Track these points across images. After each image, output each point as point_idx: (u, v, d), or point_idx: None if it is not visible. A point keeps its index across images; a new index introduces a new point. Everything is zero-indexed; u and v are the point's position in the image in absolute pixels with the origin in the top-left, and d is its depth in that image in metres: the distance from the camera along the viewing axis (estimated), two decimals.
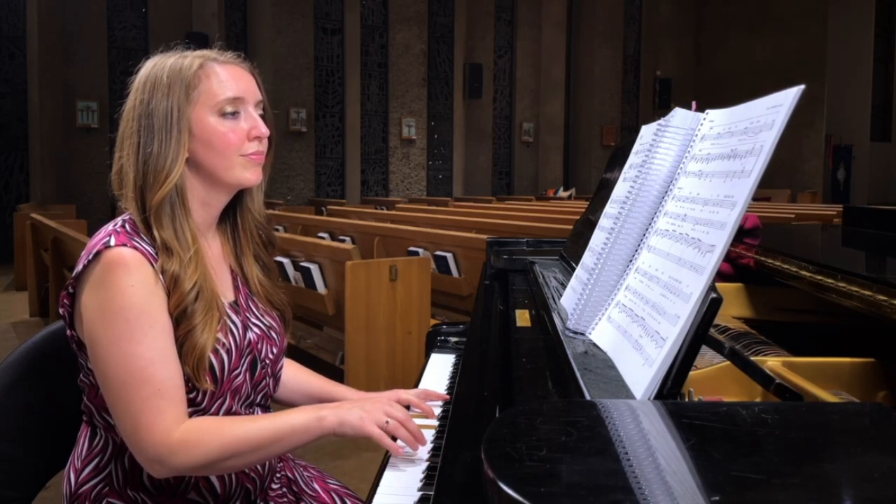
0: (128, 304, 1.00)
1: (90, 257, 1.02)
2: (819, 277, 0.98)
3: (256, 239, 1.23)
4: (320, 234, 5.53)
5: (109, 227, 1.07)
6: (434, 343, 1.68)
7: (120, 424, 1.03)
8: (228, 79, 1.10)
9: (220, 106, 1.09)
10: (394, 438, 1.07)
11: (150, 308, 1.02)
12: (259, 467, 1.17)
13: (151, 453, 1.00)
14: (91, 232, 5.85)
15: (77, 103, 10.06)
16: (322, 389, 1.32)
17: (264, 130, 1.12)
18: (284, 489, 1.26)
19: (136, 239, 1.05)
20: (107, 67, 10.44)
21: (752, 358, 0.88)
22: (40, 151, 9.65)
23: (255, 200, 1.22)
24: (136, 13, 10.75)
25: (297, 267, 3.96)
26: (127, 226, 1.07)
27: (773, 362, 0.91)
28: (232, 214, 1.22)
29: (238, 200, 1.21)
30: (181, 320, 1.04)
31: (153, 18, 10.75)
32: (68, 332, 1.09)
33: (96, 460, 1.11)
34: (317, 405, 1.10)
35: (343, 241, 4.94)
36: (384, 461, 1.09)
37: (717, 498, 0.45)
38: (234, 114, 1.10)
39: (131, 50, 10.69)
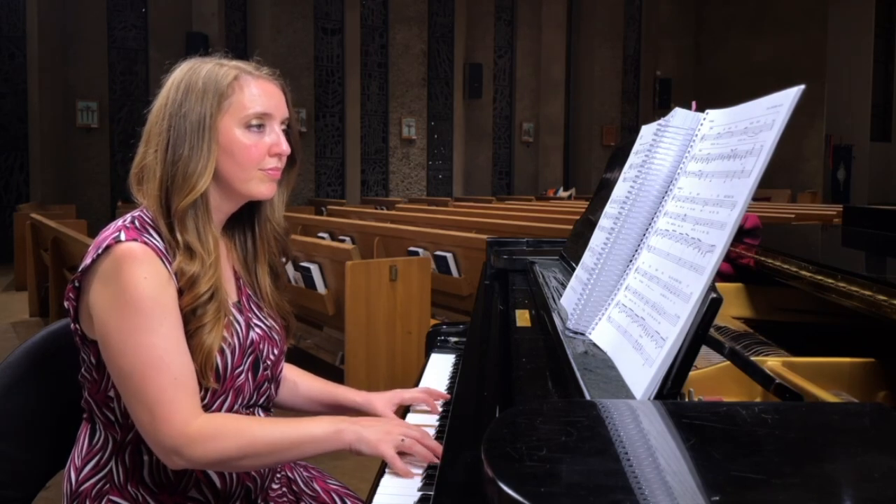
0: (141, 295, 1.01)
1: (99, 251, 1.03)
2: (819, 277, 0.98)
3: (274, 248, 1.24)
4: (320, 234, 5.54)
5: (119, 222, 1.08)
6: (434, 343, 1.68)
7: (136, 416, 1.03)
8: (260, 94, 1.12)
9: (247, 119, 1.10)
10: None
11: (163, 300, 1.03)
12: None
13: (169, 444, 1.01)
14: (91, 232, 5.85)
15: (77, 103, 10.06)
16: (323, 392, 1.32)
17: (285, 148, 1.14)
18: (284, 489, 1.26)
19: (145, 235, 1.06)
20: (107, 67, 10.44)
21: (752, 358, 0.88)
22: (40, 151, 9.65)
23: (276, 211, 1.23)
24: (136, 13, 10.74)
25: (297, 267, 3.96)
26: (136, 222, 1.08)
27: (773, 362, 0.91)
28: (249, 222, 1.23)
29: (257, 209, 1.22)
30: (190, 318, 1.06)
31: (153, 18, 10.75)
32: (72, 325, 1.10)
33: (97, 458, 1.12)
34: (337, 417, 1.11)
35: (343, 241, 4.94)
36: (384, 461, 1.08)
37: (717, 498, 0.45)
38: (260, 127, 1.12)
39: (131, 50, 10.70)
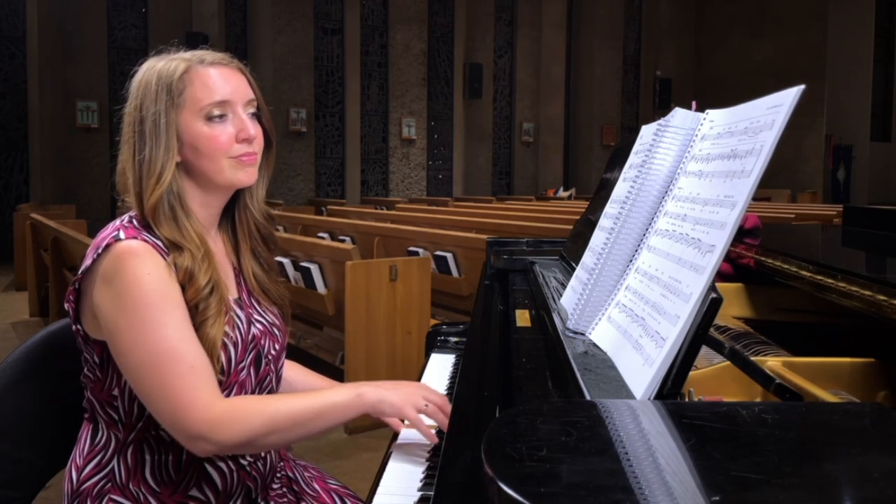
0: (147, 290, 1.01)
1: (99, 251, 1.04)
2: (819, 277, 0.98)
3: (255, 235, 1.24)
4: (320, 234, 5.53)
5: (117, 222, 1.09)
6: (434, 343, 1.68)
7: (156, 409, 1.03)
8: (214, 82, 1.10)
9: (205, 110, 1.09)
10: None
11: (169, 293, 1.03)
12: (260, 466, 1.18)
13: (194, 430, 1.01)
14: (91, 232, 5.84)
15: (77, 103, 10.05)
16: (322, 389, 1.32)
17: (252, 132, 1.12)
18: (285, 489, 1.26)
19: (144, 233, 1.06)
20: (107, 67, 10.43)
21: (752, 358, 0.88)
22: (40, 151, 9.64)
23: (255, 198, 1.23)
24: (136, 13, 10.74)
25: (297, 267, 3.96)
26: (134, 221, 1.09)
27: (773, 362, 0.91)
28: (231, 211, 1.23)
29: (237, 198, 1.22)
30: (194, 314, 1.06)
31: (153, 18, 10.74)
32: (74, 327, 1.10)
33: (98, 457, 1.12)
34: (356, 382, 1.12)
35: (343, 241, 4.94)
36: (384, 461, 1.09)
37: (717, 498, 0.45)
38: (222, 116, 1.11)
39: (131, 50, 10.69)
